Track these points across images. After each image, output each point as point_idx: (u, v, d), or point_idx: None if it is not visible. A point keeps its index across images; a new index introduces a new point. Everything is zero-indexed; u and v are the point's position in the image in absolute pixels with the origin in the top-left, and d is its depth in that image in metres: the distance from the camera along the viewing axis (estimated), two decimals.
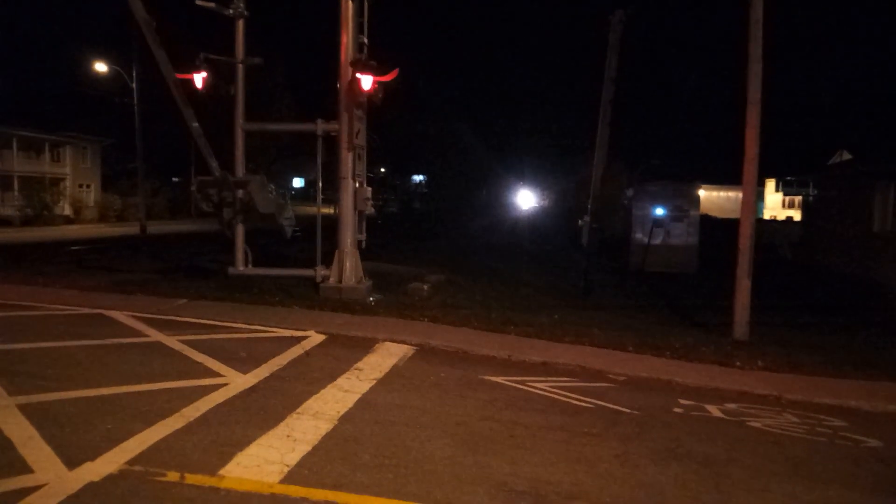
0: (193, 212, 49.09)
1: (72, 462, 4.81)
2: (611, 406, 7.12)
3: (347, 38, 12.62)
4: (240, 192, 12.96)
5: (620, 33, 17.17)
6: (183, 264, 17.42)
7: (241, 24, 13.35)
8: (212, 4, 12.99)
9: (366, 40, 12.92)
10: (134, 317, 10.19)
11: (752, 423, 6.88)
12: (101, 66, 37.86)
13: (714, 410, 7.28)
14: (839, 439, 6.56)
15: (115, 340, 8.69)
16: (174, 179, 56.06)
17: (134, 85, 34.88)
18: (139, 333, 9.21)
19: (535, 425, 6.31)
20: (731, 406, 7.48)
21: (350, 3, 12.58)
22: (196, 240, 28.23)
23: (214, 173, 13.06)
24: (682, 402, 7.54)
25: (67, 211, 47.26)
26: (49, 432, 5.32)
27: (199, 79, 12.60)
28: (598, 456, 5.63)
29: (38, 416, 5.68)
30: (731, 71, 12.12)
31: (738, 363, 9.41)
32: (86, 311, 10.59)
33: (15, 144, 45.14)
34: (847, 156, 37.47)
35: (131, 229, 35.77)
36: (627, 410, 7.01)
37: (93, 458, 4.91)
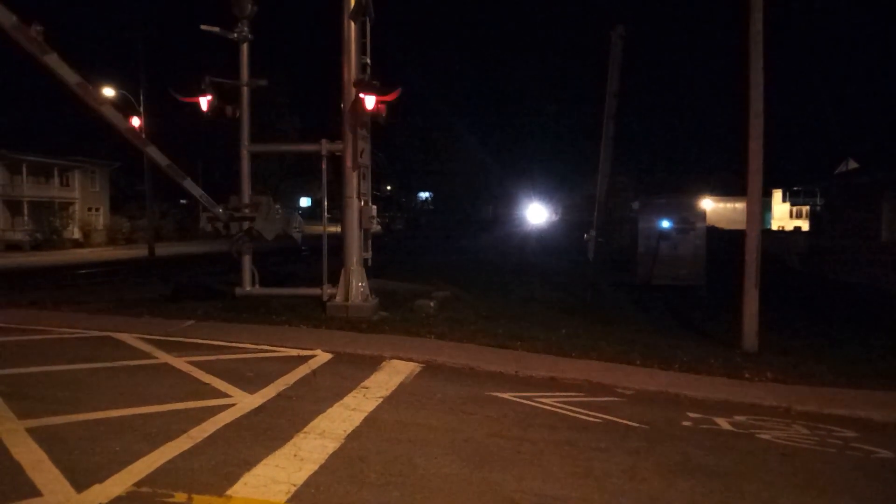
0: (201, 233, 49.40)
1: (80, 485, 4.83)
2: (619, 420, 7.09)
3: (350, 59, 12.74)
4: (246, 224, 13.12)
5: (621, 48, 17.29)
6: (191, 285, 17.51)
7: (245, 47, 13.52)
8: (216, 29, 13.17)
9: (368, 60, 13.04)
10: (142, 339, 10.23)
11: (762, 436, 6.83)
12: (108, 91, 38.29)
13: (723, 423, 7.23)
14: (850, 450, 6.51)
15: (124, 363, 8.73)
16: (182, 202, 56.46)
17: (141, 109, 35.28)
18: (147, 355, 9.24)
19: (542, 441, 6.28)
20: (741, 418, 7.43)
21: (352, 24, 12.72)
22: (204, 261, 28.41)
23: (219, 217, 13.14)
24: (691, 415, 7.49)
25: (76, 235, 47.63)
26: (57, 455, 5.34)
27: (203, 102, 12.76)
28: (606, 471, 5.60)
29: (46, 439, 5.70)
30: (735, 81, 12.17)
31: (746, 375, 9.36)
32: (94, 334, 10.64)
33: (24, 170, 45.64)
34: (853, 164, 37.40)
35: (140, 252, 36.06)
36: (636, 425, 6.97)
37: (101, 480, 4.92)
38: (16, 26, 9.31)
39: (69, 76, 10.31)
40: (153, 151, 12.28)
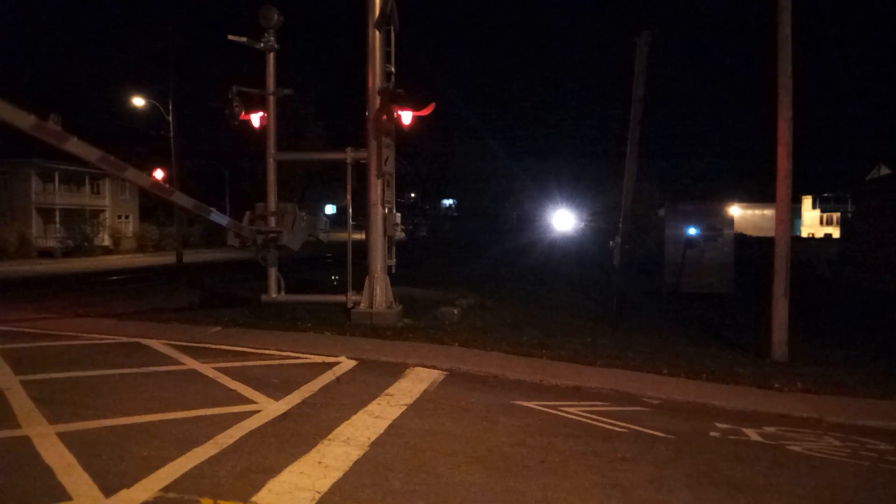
0: (228, 241, 49.94)
1: (109, 489, 4.89)
2: (645, 430, 7.00)
3: (375, 68, 12.83)
4: (272, 236, 13.33)
5: (647, 54, 17.18)
6: (218, 292, 17.70)
7: (271, 57, 13.68)
8: (243, 39, 13.35)
9: (393, 69, 13.12)
10: (170, 345, 10.37)
11: (792, 447, 6.69)
12: (138, 101, 39.00)
13: (752, 434, 7.11)
14: (884, 463, 6.34)
15: (151, 369, 8.85)
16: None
17: (170, 118, 35.86)
18: (175, 361, 9.36)
19: (567, 451, 6.23)
20: (770, 429, 7.30)
21: (377, 33, 12.81)
22: (231, 268, 28.69)
23: (247, 236, 13.36)
24: (719, 425, 7.38)
25: (107, 242, 48.51)
26: (87, 460, 5.43)
27: (256, 118, 13.10)
28: (632, 482, 5.52)
29: (77, 444, 5.79)
30: (764, 86, 11.99)
31: (776, 385, 9.20)
32: (123, 339, 10.81)
33: (57, 178, 46.65)
34: (885, 170, 36.67)
35: (168, 259, 36.56)
36: (662, 435, 6.88)
37: (129, 485, 4.98)
38: (35, 125, 9.65)
39: (90, 154, 10.59)
40: (178, 197, 12.65)
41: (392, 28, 13.09)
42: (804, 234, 68.77)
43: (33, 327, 11.58)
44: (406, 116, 12.55)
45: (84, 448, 5.69)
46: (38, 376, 8.14)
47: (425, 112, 12.30)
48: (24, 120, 9.52)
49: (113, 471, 5.25)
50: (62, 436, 5.99)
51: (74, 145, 10.12)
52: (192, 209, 12.61)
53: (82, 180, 49.25)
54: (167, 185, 13.16)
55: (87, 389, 7.68)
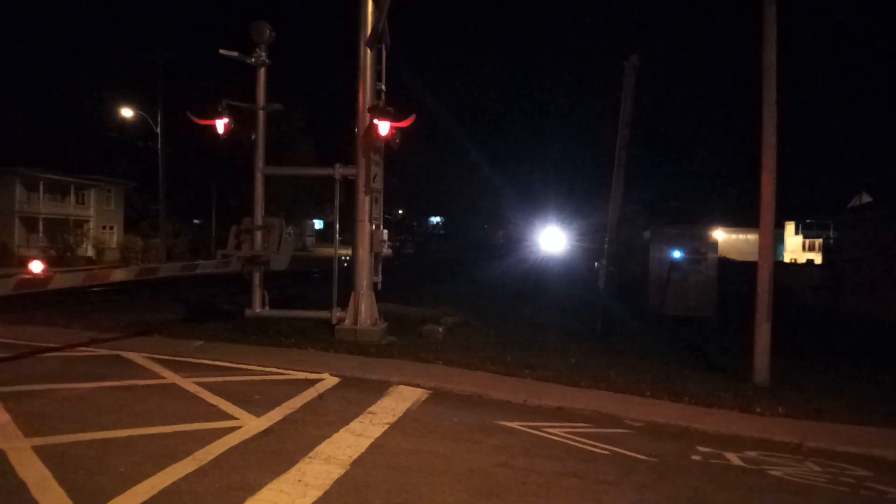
0: (213, 254, 49.67)
1: None
2: (627, 453, 7.00)
3: (365, 85, 12.88)
4: (259, 260, 13.43)
5: (635, 78, 17.37)
6: (201, 306, 17.55)
7: (262, 72, 13.72)
8: (235, 54, 13.39)
9: (383, 87, 13.18)
10: (151, 358, 10.26)
11: (773, 472, 6.72)
12: (126, 112, 38.88)
13: (733, 458, 7.13)
14: (863, 490, 6.39)
15: (131, 382, 8.75)
16: (195, 221, 56.83)
17: (158, 130, 35.79)
18: (155, 375, 9.25)
19: (549, 472, 6.21)
20: (751, 454, 7.32)
21: (368, 51, 12.88)
22: (215, 281, 28.45)
23: (235, 264, 13.56)
24: (701, 449, 7.39)
25: (90, 252, 48.00)
26: (62, 475, 5.34)
27: (220, 124, 12.97)
28: None
29: (52, 457, 5.70)
30: (749, 112, 12.18)
31: (758, 409, 9.24)
32: (103, 352, 10.68)
33: (41, 187, 46.21)
34: (867, 198, 37.17)
35: None
36: (644, 457, 6.88)
37: (104, 501, 4.91)
38: (20, 282, 9.78)
39: (76, 279, 11.18)
40: (166, 269, 13.74)
41: (383, 46, 13.18)
42: (787, 259, 69.38)
43: (11, 338, 11.41)
44: (389, 130, 12.37)
45: (60, 462, 5.61)
46: (14, 388, 8.02)
47: (405, 123, 12.26)
48: (4, 286, 9.61)
49: (89, 486, 5.17)
50: (38, 449, 5.89)
51: (59, 280, 10.41)
52: (180, 272, 12.95)
53: (67, 190, 48.82)
54: (153, 266, 14.56)
55: (65, 402, 7.57)
